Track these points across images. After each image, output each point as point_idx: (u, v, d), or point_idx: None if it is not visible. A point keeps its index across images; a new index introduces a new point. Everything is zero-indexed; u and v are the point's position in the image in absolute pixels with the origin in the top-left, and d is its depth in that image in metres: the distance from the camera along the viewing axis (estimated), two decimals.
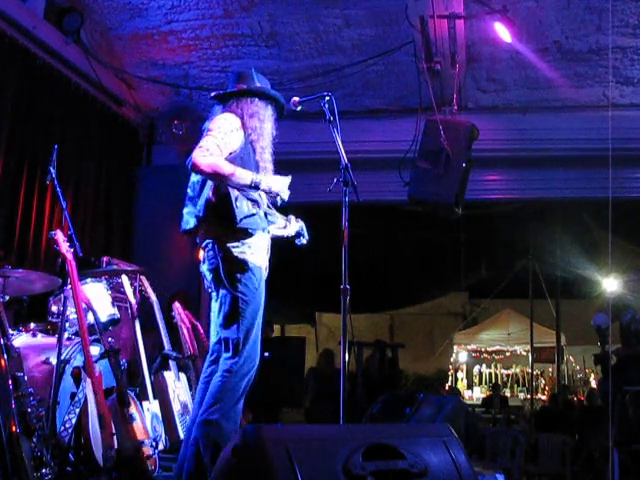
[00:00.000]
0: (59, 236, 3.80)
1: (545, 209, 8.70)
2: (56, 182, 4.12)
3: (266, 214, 3.26)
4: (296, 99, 3.39)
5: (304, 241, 3.53)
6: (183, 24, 6.12)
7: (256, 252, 3.19)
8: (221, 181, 3.09)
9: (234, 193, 3.11)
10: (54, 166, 4.09)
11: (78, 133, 6.26)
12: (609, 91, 6.53)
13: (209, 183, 3.18)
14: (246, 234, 3.15)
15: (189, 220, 3.29)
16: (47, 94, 5.81)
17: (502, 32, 5.40)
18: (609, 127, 5.11)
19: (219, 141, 3.10)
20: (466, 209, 6.01)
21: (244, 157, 3.21)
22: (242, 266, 3.13)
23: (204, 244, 3.23)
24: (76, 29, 5.93)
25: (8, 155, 5.28)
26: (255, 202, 3.18)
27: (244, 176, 3.08)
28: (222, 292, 3.18)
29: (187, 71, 6.76)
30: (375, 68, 6.46)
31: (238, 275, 3.12)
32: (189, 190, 3.35)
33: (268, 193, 3.18)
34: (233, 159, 3.13)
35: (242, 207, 3.13)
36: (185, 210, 3.35)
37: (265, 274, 3.28)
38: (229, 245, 3.12)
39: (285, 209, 3.42)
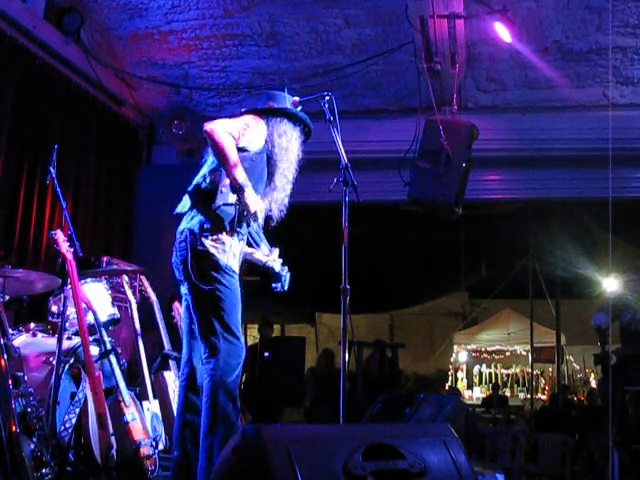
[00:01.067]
0: (59, 236, 3.80)
1: (545, 209, 8.70)
2: (56, 182, 4.12)
3: (248, 224, 3.22)
4: (296, 99, 3.39)
5: (280, 287, 3.43)
6: (183, 24, 6.12)
7: (228, 252, 3.14)
8: (218, 159, 3.06)
9: (225, 181, 3.10)
10: (54, 166, 4.09)
11: (78, 133, 6.26)
12: (609, 91, 6.53)
13: (208, 168, 3.18)
14: (220, 227, 3.10)
15: (185, 204, 3.26)
16: (47, 94, 5.81)
17: (502, 32, 5.40)
18: (609, 127, 5.10)
19: (241, 130, 3.10)
20: (466, 209, 6.00)
21: (256, 162, 3.20)
22: (212, 260, 3.08)
23: (179, 231, 3.19)
24: (76, 29, 5.93)
25: (8, 155, 5.28)
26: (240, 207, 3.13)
27: (240, 174, 3.03)
28: (191, 286, 3.12)
29: (187, 71, 6.76)
30: (375, 68, 6.46)
31: (207, 269, 3.07)
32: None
33: (243, 205, 3.07)
34: (242, 158, 3.10)
35: (225, 195, 3.11)
36: (185, 195, 3.34)
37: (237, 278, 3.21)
38: (201, 237, 3.09)
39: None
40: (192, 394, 3.17)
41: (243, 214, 3.13)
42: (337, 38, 6.20)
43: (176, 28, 6.17)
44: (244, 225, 3.22)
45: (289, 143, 3.32)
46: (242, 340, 3.16)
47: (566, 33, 5.91)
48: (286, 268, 3.47)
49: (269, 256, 3.45)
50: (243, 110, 3.42)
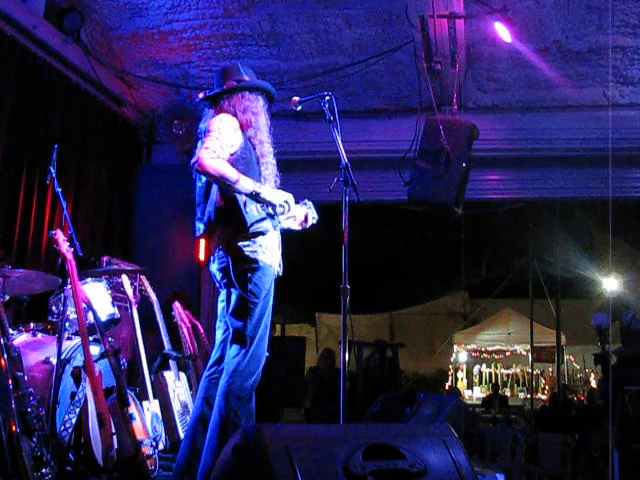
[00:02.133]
0: (59, 236, 3.80)
1: (545, 209, 8.70)
2: (56, 182, 4.12)
3: (275, 213, 3.21)
4: (296, 99, 3.38)
5: (313, 221, 3.42)
6: (183, 24, 6.12)
7: (267, 251, 3.17)
8: (224, 186, 3.07)
9: (242, 198, 3.10)
10: (54, 166, 4.08)
11: (78, 133, 6.26)
12: (609, 91, 6.53)
13: (214, 187, 3.17)
14: (257, 235, 3.14)
15: (199, 227, 3.27)
16: (47, 94, 5.81)
17: (502, 32, 5.40)
18: (609, 127, 5.11)
19: (221, 142, 3.07)
20: (466, 209, 6.00)
21: (246, 157, 3.19)
22: (252, 265, 3.11)
23: (215, 247, 3.20)
24: (76, 29, 5.93)
25: (8, 155, 5.28)
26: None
27: (246, 185, 3.05)
28: (232, 292, 3.15)
29: (187, 71, 6.76)
30: (375, 68, 6.46)
31: (248, 274, 3.10)
32: (197, 196, 3.33)
33: (267, 204, 3.13)
34: (235, 160, 3.11)
35: (252, 212, 3.11)
36: (198, 215, 3.33)
37: (279, 270, 3.27)
38: (240, 244, 3.10)
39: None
40: (215, 392, 3.16)
41: (272, 211, 3.16)
42: (337, 38, 6.20)
43: (176, 28, 6.17)
44: (276, 218, 3.23)
45: (256, 116, 3.29)
46: (266, 345, 3.18)
47: (566, 33, 5.91)
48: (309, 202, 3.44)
49: (306, 219, 3.41)
50: (201, 96, 3.40)
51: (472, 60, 6.30)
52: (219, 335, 3.33)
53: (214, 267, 3.23)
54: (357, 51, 6.31)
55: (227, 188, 3.07)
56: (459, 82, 6.14)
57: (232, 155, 3.12)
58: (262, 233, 3.14)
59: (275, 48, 6.35)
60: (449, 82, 6.02)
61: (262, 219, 3.14)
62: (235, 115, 3.24)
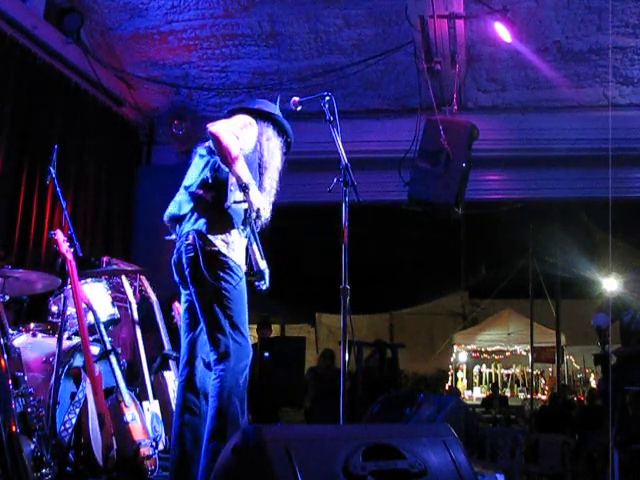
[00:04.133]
0: (59, 236, 3.80)
1: (545, 209, 8.70)
2: (56, 182, 4.12)
3: (254, 221, 3.21)
4: (296, 99, 3.38)
5: (264, 285, 3.42)
6: (183, 24, 6.12)
7: (236, 249, 3.16)
8: (224, 159, 3.07)
9: (232, 179, 3.12)
10: (54, 166, 4.09)
11: (78, 133, 6.26)
12: (609, 91, 6.53)
13: (210, 167, 3.19)
14: (229, 224, 3.13)
15: (183, 206, 3.24)
16: (47, 94, 5.81)
17: (502, 32, 5.40)
18: (609, 127, 5.11)
19: (242, 130, 3.14)
20: (466, 209, 6.00)
21: (249, 161, 3.19)
22: (222, 260, 3.09)
23: (184, 233, 3.18)
24: (76, 29, 5.93)
25: (8, 155, 5.28)
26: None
27: (243, 170, 3.06)
28: (199, 288, 3.10)
29: (187, 71, 6.76)
30: (375, 68, 6.46)
31: (218, 270, 3.08)
32: (186, 180, 3.33)
33: (248, 202, 3.09)
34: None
35: (235, 193, 3.14)
36: (177, 197, 3.32)
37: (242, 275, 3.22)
38: (210, 237, 3.09)
39: None
40: (191, 395, 3.16)
41: (248, 212, 3.14)
42: (337, 38, 6.21)
43: (176, 28, 6.17)
44: (247, 223, 3.23)
45: (274, 149, 3.34)
46: (249, 341, 3.16)
47: (566, 33, 5.91)
48: (265, 263, 3.46)
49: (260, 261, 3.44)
50: (230, 109, 3.43)
51: (472, 60, 6.30)
52: (184, 338, 3.28)
53: (177, 261, 3.20)
54: (357, 51, 6.31)
55: (226, 162, 3.06)
56: (459, 82, 6.14)
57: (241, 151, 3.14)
58: (233, 224, 3.13)
59: (275, 48, 6.35)
60: (449, 82, 6.02)
61: (240, 202, 3.13)
62: (258, 134, 3.28)
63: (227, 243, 3.13)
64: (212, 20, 6.05)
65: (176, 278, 3.29)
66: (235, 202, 3.13)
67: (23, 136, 5.49)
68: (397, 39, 6.03)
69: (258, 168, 3.28)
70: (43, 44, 5.67)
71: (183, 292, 3.30)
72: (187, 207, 3.23)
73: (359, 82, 6.73)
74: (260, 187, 3.26)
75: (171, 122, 7.01)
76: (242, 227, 3.20)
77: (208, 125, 3.08)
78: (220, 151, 3.08)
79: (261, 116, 3.34)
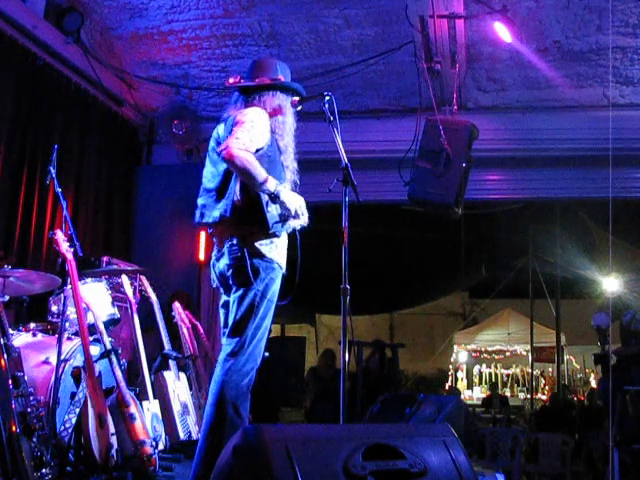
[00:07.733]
0: (59, 236, 3.80)
1: (545, 209, 8.70)
2: (56, 182, 4.13)
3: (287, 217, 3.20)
4: (296, 99, 3.38)
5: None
6: (183, 24, 6.12)
7: (281, 251, 3.19)
8: (248, 181, 3.03)
9: (264, 197, 3.07)
10: (54, 166, 4.09)
11: (78, 133, 6.26)
12: (609, 91, 6.53)
13: (234, 181, 3.12)
14: (274, 235, 3.14)
15: (211, 214, 3.18)
16: (47, 94, 5.81)
17: (502, 32, 5.40)
18: (609, 127, 5.11)
19: (251, 136, 3.04)
20: (466, 209, 6.00)
21: (272, 156, 3.18)
22: (268, 264, 3.11)
23: (227, 240, 3.15)
24: (76, 29, 5.93)
25: (8, 155, 5.28)
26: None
27: (270, 185, 3.02)
28: (239, 290, 3.11)
29: (187, 71, 6.75)
30: (375, 68, 6.46)
31: (262, 273, 3.09)
32: (205, 180, 3.28)
33: (283, 207, 3.10)
34: (260, 157, 3.07)
35: (272, 212, 3.11)
36: (201, 201, 3.26)
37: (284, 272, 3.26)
38: (258, 242, 3.09)
39: None
40: None
41: (286, 215, 3.15)
42: (337, 38, 6.21)
43: (176, 28, 6.17)
44: (287, 221, 3.21)
45: (284, 117, 3.31)
46: (264, 347, 3.17)
47: (566, 33, 5.91)
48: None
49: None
50: (232, 82, 3.37)
51: (472, 60, 6.30)
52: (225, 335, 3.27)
53: (222, 262, 3.18)
54: (357, 51, 6.31)
55: (251, 184, 3.03)
56: (459, 82, 6.14)
57: (258, 151, 3.08)
58: (277, 235, 3.15)
59: (275, 48, 6.35)
60: (449, 82, 6.02)
61: (280, 221, 3.14)
62: (267, 113, 3.24)
63: (273, 247, 3.14)
64: (212, 20, 6.05)
65: (218, 280, 3.28)
66: (276, 222, 3.11)
67: (23, 136, 5.49)
68: (397, 39, 6.03)
69: (278, 151, 3.25)
70: (43, 44, 5.67)
71: (225, 292, 3.28)
72: (218, 214, 3.16)
73: (359, 82, 6.73)
74: (285, 169, 3.26)
75: (171, 122, 7.01)
76: (285, 229, 3.19)
77: (220, 150, 3.03)
78: (239, 173, 3.04)
79: (266, 88, 3.31)
